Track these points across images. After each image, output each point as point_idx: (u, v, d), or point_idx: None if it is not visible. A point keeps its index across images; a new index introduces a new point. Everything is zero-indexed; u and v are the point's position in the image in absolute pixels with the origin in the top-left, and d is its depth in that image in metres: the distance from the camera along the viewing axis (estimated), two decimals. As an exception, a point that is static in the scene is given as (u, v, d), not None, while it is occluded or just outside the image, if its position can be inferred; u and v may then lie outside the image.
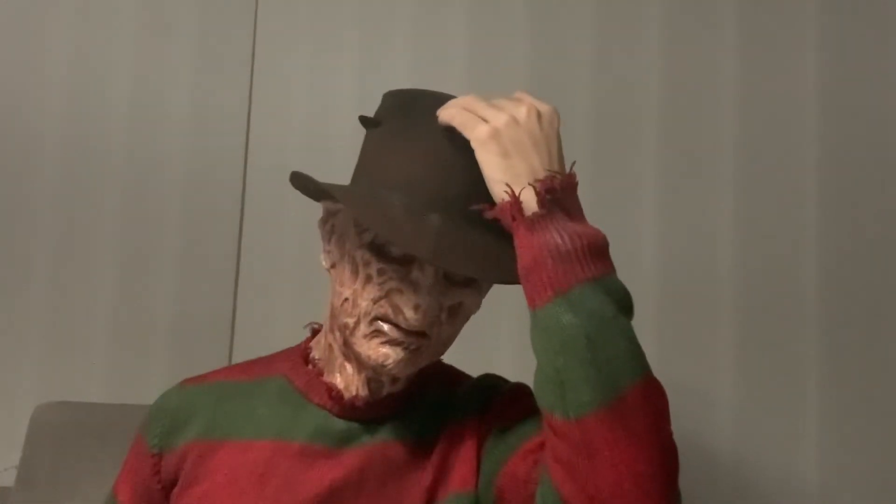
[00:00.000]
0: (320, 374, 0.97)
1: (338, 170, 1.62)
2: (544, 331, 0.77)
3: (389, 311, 0.87)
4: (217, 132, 1.66)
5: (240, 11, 1.69)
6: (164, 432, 0.98)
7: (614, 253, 1.69)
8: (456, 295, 0.89)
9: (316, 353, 0.99)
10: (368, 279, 0.88)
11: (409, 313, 0.86)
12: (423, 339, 0.88)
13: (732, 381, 1.54)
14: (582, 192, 1.60)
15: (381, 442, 0.93)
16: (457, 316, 0.90)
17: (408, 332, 0.87)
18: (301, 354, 1.00)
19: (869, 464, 1.51)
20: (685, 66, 1.61)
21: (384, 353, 0.87)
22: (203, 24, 1.69)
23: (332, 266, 0.93)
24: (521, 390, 0.97)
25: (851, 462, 1.52)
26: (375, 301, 0.87)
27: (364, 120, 0.92)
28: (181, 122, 1.66)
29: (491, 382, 0.99)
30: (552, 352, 0.76)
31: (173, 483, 0.96)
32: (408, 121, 0.89)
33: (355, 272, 0.89)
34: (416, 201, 0.86)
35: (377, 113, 0.94)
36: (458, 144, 0.85)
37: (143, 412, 1.04)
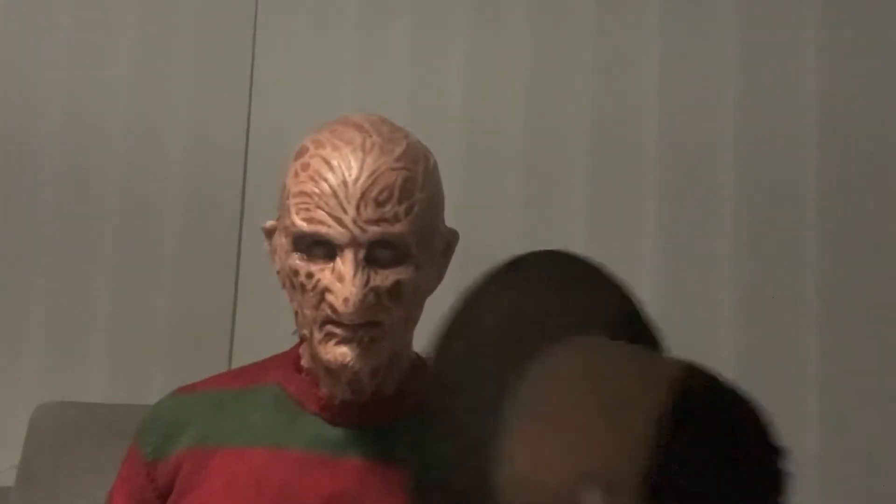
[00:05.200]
0: (313, 382, 0.96)
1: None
2: None
3: (329, 311, 0.87)
4: (217, 133, 1.66)
5: (240, 13, 1.69)
6: (159, 441, 0.97)
7: (611, 264, 1.67)
8: (386, 275, 0.87)
9: (304, 361, 0.98)
10: (303, 288, 0.88)
11: (341, 308, 0.84)
12: (374, 329, 0.87)
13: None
14: (578, 203, 1.60)
15: (382, 450, 0.92)
16: (401, 296, 0.88)
17: (354, 327, 0.87)
18: (293, 361, 0.99)
19: (869, 474, 1.51)
20: (685, 72, 1.61)
21: (341, 353, 0.87)
22: (203, 27, 1.68)
23: (283, 285, 0.94)
24: None
25: (852, 471, 1.52)
26: (315, 307, 0.87)
27: None
28: (181, 122, 1.66)
29: None
30: None
31: (169, 491, 0.96)
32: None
33: (293, 285, 0.89)
34: None
35: None
36: None
37: (143, 413, 1.04)
